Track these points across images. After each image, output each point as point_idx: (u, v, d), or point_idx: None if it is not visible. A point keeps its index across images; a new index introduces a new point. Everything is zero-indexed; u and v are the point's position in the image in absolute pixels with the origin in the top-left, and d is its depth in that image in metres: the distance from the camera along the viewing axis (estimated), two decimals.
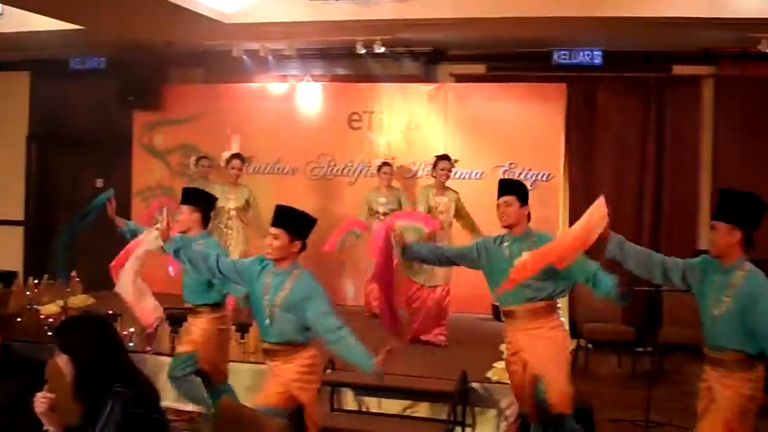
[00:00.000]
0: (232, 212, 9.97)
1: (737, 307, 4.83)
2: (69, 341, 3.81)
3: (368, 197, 10.30)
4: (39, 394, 3.88)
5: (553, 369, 5.91)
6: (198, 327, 6.83)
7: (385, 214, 9.92)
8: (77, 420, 3.99)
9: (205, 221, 6.90)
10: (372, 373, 5.11)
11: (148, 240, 6.16)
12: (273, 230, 5.32)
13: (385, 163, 10.40)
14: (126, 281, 6.27)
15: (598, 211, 5.32)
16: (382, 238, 6.42)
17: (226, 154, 10.18)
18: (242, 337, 8.16)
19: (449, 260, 6.52)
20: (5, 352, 4.31)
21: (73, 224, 7.12)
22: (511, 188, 6.15)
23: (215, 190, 9.83)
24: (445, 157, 9.21)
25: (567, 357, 6.16)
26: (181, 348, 6.98)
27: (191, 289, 6.79)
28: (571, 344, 10.54)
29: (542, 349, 5.92)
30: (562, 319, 9.27)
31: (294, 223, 5.38)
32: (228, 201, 9.93)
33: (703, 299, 5.03)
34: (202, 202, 6.90)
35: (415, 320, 8.97)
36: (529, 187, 10.46)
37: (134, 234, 7.06)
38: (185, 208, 6.77)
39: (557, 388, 5.89)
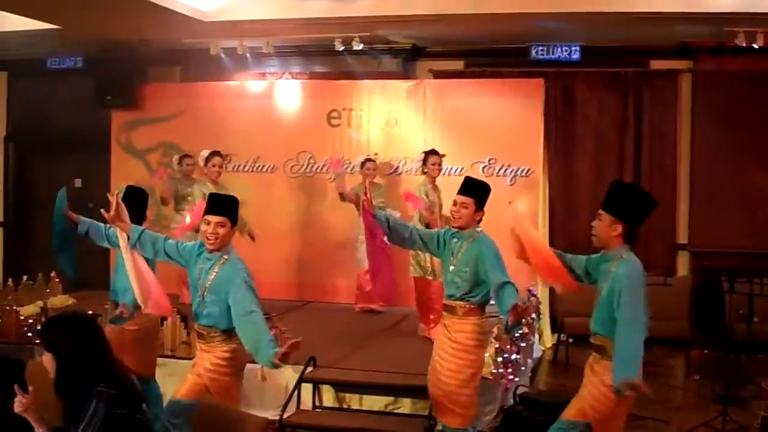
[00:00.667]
0: None
1: (607, 293, 5.03)
2: (54, 340, 3.82)
3: (354, 189, 10.29)
4: (18, 396, 3.87)
5: (438, 377, 6.10)
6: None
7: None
8: (61, 420, 3.99)
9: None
10: (268, 363, 4.96)
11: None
12: (218, 218, 5.31)
13: (368, 159, 10.40)
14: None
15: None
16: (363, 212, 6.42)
17: (204, 153, 10.11)
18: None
19: (419, 239, 6.38)
20: None
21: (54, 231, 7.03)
22: (473, 191, 6.12)
23: (195, 189, 9.85)
24: (433, 152, 9.30)
25: (457, 367, 6.07)
26: None
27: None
28: (552, 339, 10.67)
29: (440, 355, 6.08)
30: (533, 315, 9.42)
31: (233, 210, 5.42)
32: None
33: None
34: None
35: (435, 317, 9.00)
36: (508, 183, 10.79)
37: (92, 230, 6.85)
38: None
39: (434, 398, 6.12)
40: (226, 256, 5.34)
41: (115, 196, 5.52)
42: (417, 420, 7.04)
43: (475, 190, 6.11)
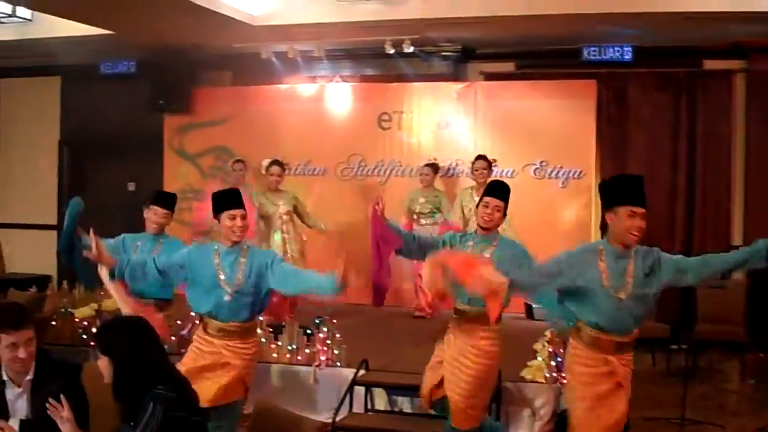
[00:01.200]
0: (285, 216, 10.00)
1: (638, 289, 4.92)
2: (109, 343, 3.84)
3: (410, 197, 10.30)
4: (63, 414, 3.92)
5: (457, 383, 5.87)
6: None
7: (423, 214, 9.96)
8: (115, 424, 4.03)
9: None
10: (336, 287, 5.19)
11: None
12: (241, 211, 5.47)
13: (426, 164, 10.42)
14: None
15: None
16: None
17: (265, 162, 10.24)
18: (276, 338, 8.17)
19: (420, 248, 6.18)
20: (43, 356, 4.34)
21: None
22: (504, 194, 5.97)
23: (261, 199, 9.97)
24: (480, 157, 9.33)
25: (477, 373, 5.88)
26: None
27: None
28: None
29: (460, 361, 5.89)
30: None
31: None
32: (277, 207, 10.01)
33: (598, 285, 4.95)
34: (172, 203, 7.01)
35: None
36: (560, 185, 10.72)
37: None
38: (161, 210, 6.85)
39: (455, 403, 5.90)
40: (245, 246, 5.52)
41: (93, 236, 5.58)
42: None
43: (506, 194, 6.01)
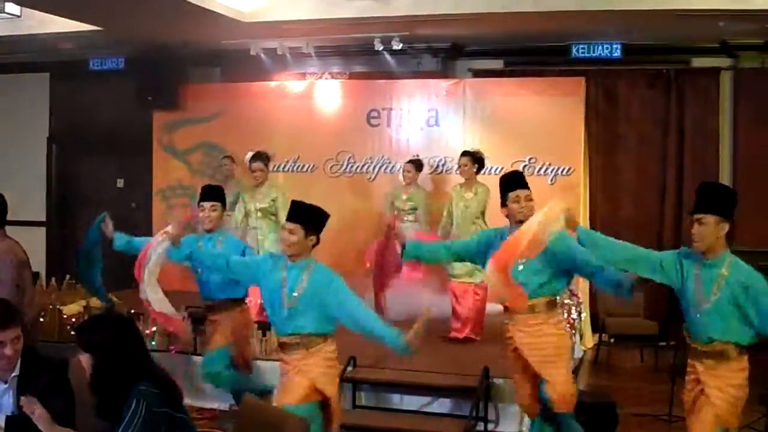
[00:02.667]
0: (258, 213, 9.75)
1: (729, 297, 4.85)
2: (91, 340, 3.83)
3: (393, 194, 10.26)
4: (35, 411, 3.91)
5: (553, 368, 5.83)
6: (228, 321, 6.86)
7: (405, 211, 9.89)
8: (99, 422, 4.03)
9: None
10: (403, 348, 5.12)
11: (156, 250, 6.16)
12: (289, 225, 5.36)
13: (408, 161, 10.34)
14: (150, 293, 6.29)
15: (553, 210, 5.36)
16: (385, 237, 6.37)
17: (248, 156, 10.01)
18: (264, 335, 8.17)
19: (455, 255, 6.39)
20: (29, 353, 4.34)
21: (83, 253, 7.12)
22: (525, 182, 6.01)
23: (244, 193, 9.82)
24: (464, 153, 9.24)
25: (567, 355, 6.06)
26: (213, 344, 6.99)
27: (216, 285, 6.80)
28: (593, 339, 10.59)
29: (542, 348, 5.83)
30: (574, 315, 9.34)
31: (309, 218, 5.43)
32: (254, 202, 9.76)
33: (687, 293, 5.02)
34: (221, 197, 6.95)
35: (466, 320, 9.00)
36: (549, 182, 10.75)
37: (131, 245, 6.94)
38: (208, 205, 6.81)
39: (558, 388, 5.82)
40: (312, 264, 5.39)
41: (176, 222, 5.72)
42: (456, 420, 7.04)
43: (525, 180, 6.02)
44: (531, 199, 5.89)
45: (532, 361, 5.84)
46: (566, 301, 9.25)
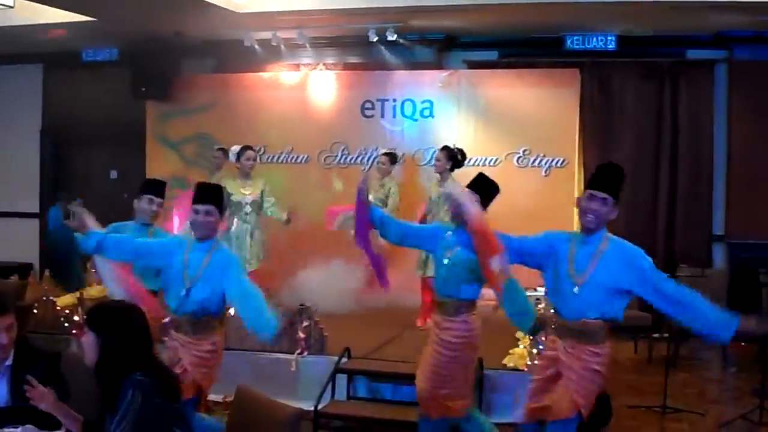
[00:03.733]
0: (251, 206, 9.69)
1: (606, 273, 4.77)
2: (100, 322, 3.84)
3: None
4: (36, 392, 3.90)
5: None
6: None
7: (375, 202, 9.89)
8: (93, 410, 4.02)
9: None
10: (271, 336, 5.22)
11: None
12: (205, 207, 5.39)
13: (383, 153, 10.30)
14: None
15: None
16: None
17: (235, 148, 9.75)
18: None
19: (410, 237, 6.22)
20: (23, 344, 4.34)
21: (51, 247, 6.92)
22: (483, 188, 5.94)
23: (228, 185, 9.65)
24: (442, 149, 9.23)
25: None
26: None
27: None
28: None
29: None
30: None
31: (221, 199, 5.52)
32: (245, 195, 9.58)
33: (558, 272, 4.93)
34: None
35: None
36: (543, 174, 10.75)
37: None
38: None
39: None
40: (215, 245, 5.45)
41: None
42: None
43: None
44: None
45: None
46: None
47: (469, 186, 5.69)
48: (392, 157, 10.18)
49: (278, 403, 4.08)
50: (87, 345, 3.83)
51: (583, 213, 4.86)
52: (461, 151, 9.25)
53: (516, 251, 5.13)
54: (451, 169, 9.12)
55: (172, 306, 5.46)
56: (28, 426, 3.88)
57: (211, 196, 5.46)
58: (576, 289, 4.83)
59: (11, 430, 3.67)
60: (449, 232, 5.94)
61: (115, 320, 3.86)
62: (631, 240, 5.17)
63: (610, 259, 4.80)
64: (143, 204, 6.71)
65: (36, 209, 13.82)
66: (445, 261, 5.89)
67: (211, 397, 7.77)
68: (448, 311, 5.88)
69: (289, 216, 9.64)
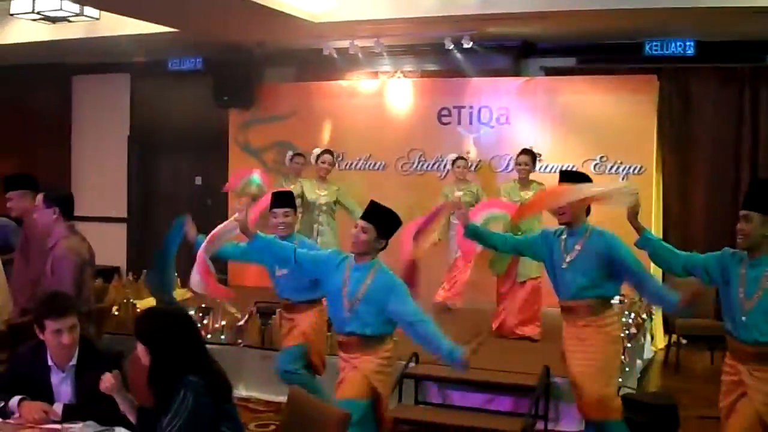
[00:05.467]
0: (323, 207, 9.96)
1: None
2: (146, 332, 3.99)
3: (444, 191, 10.28)
4: (105, 375, 4.07)
5: (589, 380, 5.82)
6: (306, 321, 6.92)
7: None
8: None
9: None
10: (457, 361, 5.10)
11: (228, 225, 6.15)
12: (363, 224, 5.35)
13: (459, 158, 10.40)
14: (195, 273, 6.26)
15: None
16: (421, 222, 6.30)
17: (316, 150, 10.16)
18: (329, 331, 8.26)
19: (513, 248, 6.38)
20: (86, 343, 4.53)
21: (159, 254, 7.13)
22: (576, 181, 5.96)
23: (305, 186, 9.97)
24: (524, 152, 9.19)
25: (610, 362, 5.94)
26: (291, 342, 6.98)
27: (292, 287, 6.83)
28: (664, 340, 10.48)
29: (585, 359, 5.82)
30: (644, 316, 9.26)
31: (384, 221, 5.40)
32: (319, 196, 9.95)
33: (731, 293, 4.91)
34: (293, 203, 6.85)
35: (505, 315, 9.04)
36: (620, 181, 10.63)
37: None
38: (281, 212, 6.65)
39: (585, 392, 5.84)
40: (376, 266, 5.36)
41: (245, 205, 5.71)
42: (515, 418, 7.05)
43: (577, 181, 5.96)
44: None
45: (573, 368, 5.91)
46: (634, 302, 9.22)
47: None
48: (465, 162, 10.37)
49: (329, 405, 4.17)
50: (140, 352, 3.98)
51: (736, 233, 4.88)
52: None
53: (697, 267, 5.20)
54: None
55: (336, 324, 5.55)
56: (89, 422, 4.05)
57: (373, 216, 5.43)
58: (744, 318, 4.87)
59: (72, 425, 3.83)
60: (563, 236, 5.94)
61: (161, 330, 3.98)
62: (711, 250, 5.15)
63: None
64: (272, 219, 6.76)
65: (124, 214, 14.22)
66: (564, 265, 5.87)
67: (262, 397, 8.02)
68: (596, 311, 5.83)
69: None
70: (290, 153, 10.67)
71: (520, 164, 9.12)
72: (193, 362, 3.91)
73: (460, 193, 10.09)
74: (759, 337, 4.79)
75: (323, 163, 9.94)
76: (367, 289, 5.28)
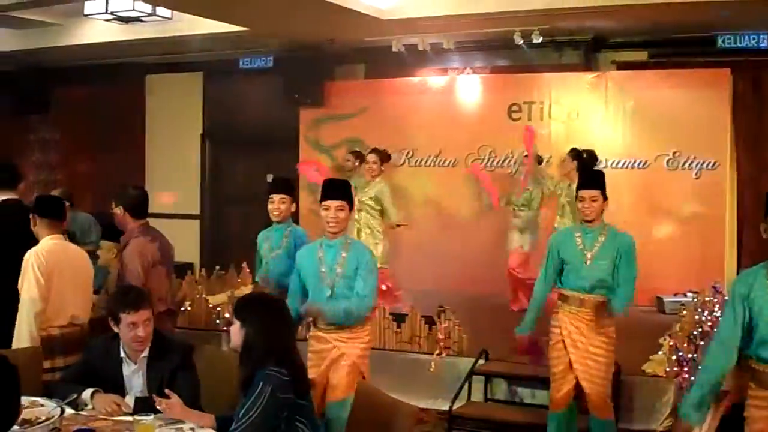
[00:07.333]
0: (363, 206, 9.69)
1: None
2: (245, 310, 4.11)
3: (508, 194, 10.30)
4: (165, 403, 4.15)
5: (599, 376, 5.96)
6: None
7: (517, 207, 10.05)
8: (222, 403, 4.25)
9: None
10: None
11: None
12: (337, 203, 5.38)
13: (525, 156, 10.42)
14: None
15: None
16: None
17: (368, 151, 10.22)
18: (398, 327, 8.31)
19: (555, 278, 6.20)
20: (158, 336, 4.62)
21: None
22: (597, 182, 5.97)
23: (356, 184, 9.84)
24: (572, 152, 9.57)
25: (612, 363, 6.10)
26: None
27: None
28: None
29: (592, 352, 5.93)
30: (717, 313, 9.10)
31: (350, 194, 5.55)
32: (363, 194, 9.76)
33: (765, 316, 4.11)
34: (291, 190, 6.72)
35: None
36: (694, 176, 10.51)
37: None
38: (277, 198, 6.50)
39: (600, 396, 5.96)
40: (348, 240, 5.54)
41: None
42: (584, 416, 6.99)
43: (599, 181, 5.99)
44: (596, 200, 5.88)
45: (578, 358, 5.95)
46: (707, 299, 9.06)
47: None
48: (538, 159, 10.30)
49: (398, 400, 4.18)
50: (233, 332, 4.09)
51: None
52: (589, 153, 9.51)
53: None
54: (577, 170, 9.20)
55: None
56: (160, 414, 4.13)
57: (342, 191, 5.51)
58: None
59: (143, 417, 3.91)
60: (578, 234, 6.01)
61: (260, 310, 4.11)
62: None
63: None
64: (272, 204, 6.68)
65: (197, 211, 14.39)
66: (587, 262, 5.92)
67: None
68: (602, 310, 5.92)
69: (398, 225, 9.99)
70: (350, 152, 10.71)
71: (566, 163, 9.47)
72: (280, 352, 3.99)
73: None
74: None
75: (365, 163, 9.93)
76: (345, 262, 5.39)
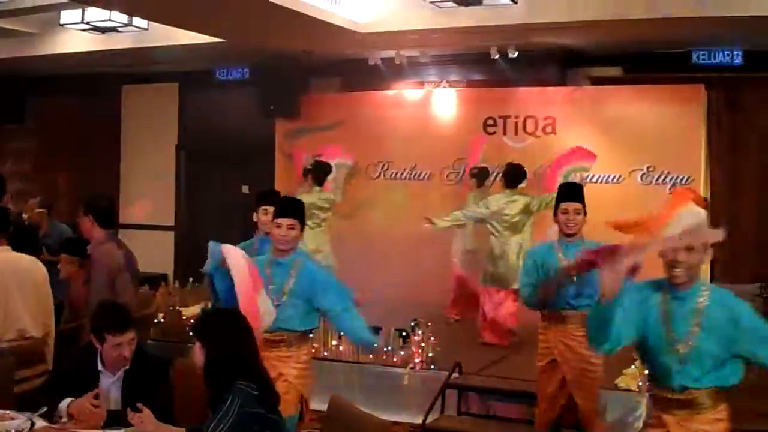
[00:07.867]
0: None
1: (710, 333, 3.84)
2: (203, 330, 4.08)
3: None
4: (137, 416, 4.10)
5: (590, 391, 5.91)
6: None
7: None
8: (196, 416, 4.22)
9: None
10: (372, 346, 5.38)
11: None
12: (289, 221, 5.19)
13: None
14: None
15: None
16: None
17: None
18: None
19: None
20: (138, 351, 4.59)
21: None
22: (580, 195, 5.95)
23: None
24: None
25: (600, 376, 6.00)
26: None
27: None
28: None
29: (583, 362, 5.82)
30: None
31: (302, 212, 5.33)
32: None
33: (655, 336, 3.96)
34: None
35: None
36: (668, 191, 10.56)
37: None
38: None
39: (591, 410, 5.93)
40: (299, 259, 5.30)
41: None
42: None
43: (581, 194, 5.97)
44: (579, 213, 5.85)
45: (569, 374, 5.87)
46: None
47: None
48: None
49: (369, 414, 4.17)
50: (195, 352, 4.05)
51: None
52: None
53: None
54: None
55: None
56: (131, 428, 4.09)
57: (294, 210, 5.32)
58: None
59: (114, 431, 3.88)
60: (558, 249, 5.94)
61: (218, 328, 4.07)
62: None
63: None
64: (260, 216, 6.72)
65: (171, 222, 14.34)
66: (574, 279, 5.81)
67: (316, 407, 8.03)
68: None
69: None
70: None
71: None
72: (246, 366, 3.97)
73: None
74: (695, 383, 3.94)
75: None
76: (294, 283, 5.21)
